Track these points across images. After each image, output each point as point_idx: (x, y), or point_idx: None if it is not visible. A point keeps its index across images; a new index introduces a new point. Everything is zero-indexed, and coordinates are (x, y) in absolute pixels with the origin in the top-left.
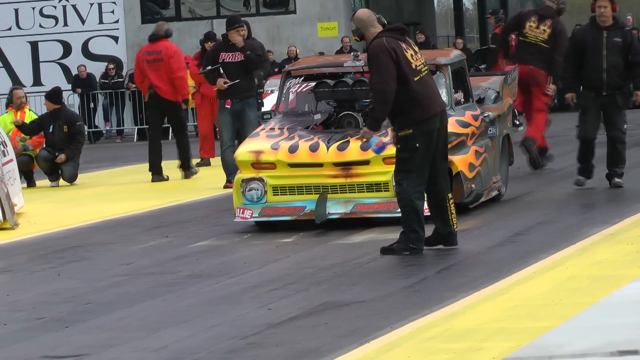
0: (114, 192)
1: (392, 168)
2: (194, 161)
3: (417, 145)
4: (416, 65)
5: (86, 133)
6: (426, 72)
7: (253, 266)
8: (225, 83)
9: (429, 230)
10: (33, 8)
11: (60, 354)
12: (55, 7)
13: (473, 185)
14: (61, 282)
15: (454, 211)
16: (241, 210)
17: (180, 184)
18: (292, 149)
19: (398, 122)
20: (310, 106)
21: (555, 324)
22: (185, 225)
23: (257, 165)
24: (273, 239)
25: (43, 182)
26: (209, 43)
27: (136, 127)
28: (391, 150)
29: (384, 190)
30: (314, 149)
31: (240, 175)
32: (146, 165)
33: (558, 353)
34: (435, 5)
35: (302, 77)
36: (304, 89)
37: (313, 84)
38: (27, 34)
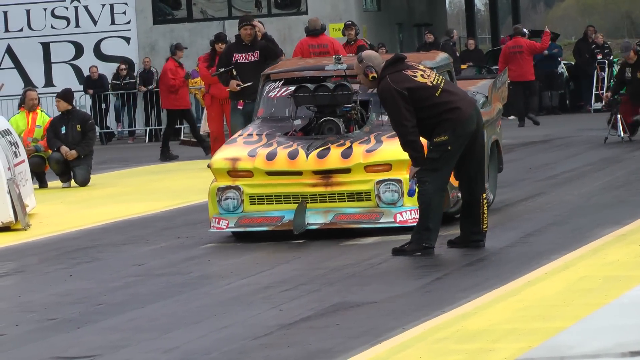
0: (125, 193)
1: (373, 177)
2: (205, 162)
3: (449, 148)
4: (431, 82)
5: (98, 134)
6: (443, 81)
7: (264, 267)
8: (238, 85)
9: (448, 229)
10: (45, 9)
11: (72, 355)
12: (67, 8)
13: (459, 194)
14: (73, 283)
15: (486, 211)
16: (216, 220)
17: (192, 184)
18: (270, 156)
19: (436, 131)
20: (290, 111)
21: (566, 324)
22: (196, 226)
23: (233, 173)
24: (284, 240)
25: (55, 183)
26: (220, 44)
27: (147, 128)
28: (373, 157)
29: (366, 200)
30: (292, 156)
31: (215, 184)
32: (156, 167)
33: (570, 354)
34: (447, 6)
35: (282, 81)
36: (283, 93)
37: (293, 88)
38: (38, 34)
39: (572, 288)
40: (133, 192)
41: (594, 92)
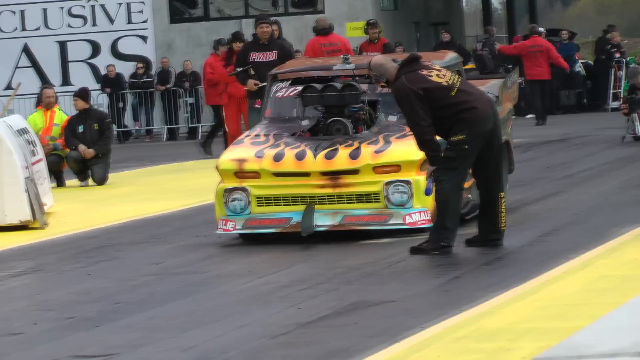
0: (143, 192)
1: (382, 178)
2: None
3: (466, 147)
4: (447, 81)
5: (115, 132)
6: (459, 80)
7: (282, 266)
8: (255, 84)
9: (466, 228)
10: (61, 8)
11: (90, 354)
12: (83, 6)
13: (470, 196)
14: (91, 281)
15: (504, 210)
16: (224, 222)
17: (210, 183)
18: (278, 157)
19: (453, 130)
20: (298, 112)
21: (585, 324)
22: (214, 225)
23: (240, 174)
24: (302, 239)
25: (72, 181)
26: (237, 43)
27: (165, 127)
28: (382, 158)
29: (375, 201)
30: (300, 157)
31: (222, 185)
32: (173, 165)
33: (588, 353)
34: (464, 4)
35: (289, 81)
36: (290, 94)
37: (300, 88)
38: (55, 33)
39: (590, 287)
40: (150, 190)
41: (610, 90)
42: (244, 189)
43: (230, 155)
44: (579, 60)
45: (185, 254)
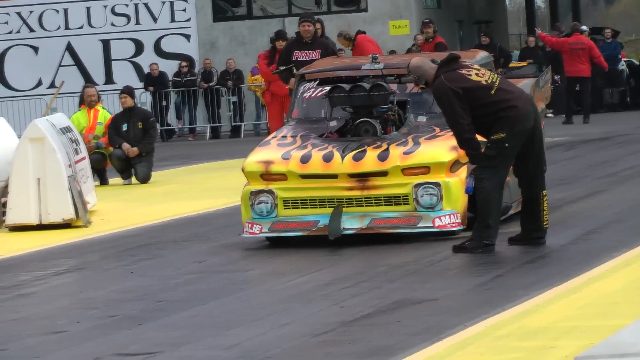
0: (186, 190)
1: (411, 180)
2: None
3: (507, 145)
4: (486, 80)
5: (158, 131)
6: (498, 79)
7: (324, 264)
8: None
9: (508, 227)
10: (105, 6)
11: (133, 352)
12: (127, 5)
13: None
14: (134, 279)
15: (546, 208)
16: (250, 225)
17: None
18: (305, 159)
19: (494, 128)
20: (325, 112)
21: (627, 322)
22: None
23: (266, 176)
24: (344, 237)
25: (116, 180)
26: (280, 41)
27: (209, 125)
28: (411, 160)
29: (404, 204)
30: (327, 158)
31: (248, 188)
32: (216, 164)
33: (630, 351)
34: (507, 3)
35: (317, 81)
36: (318, 94)
37: (328, 88)
38: (99, 32)
39: (633, 285)
40: (193, 189)
41: None
42: (270, 192)
43: (256, 157)
44: (623, 59)
45: (227, 252)
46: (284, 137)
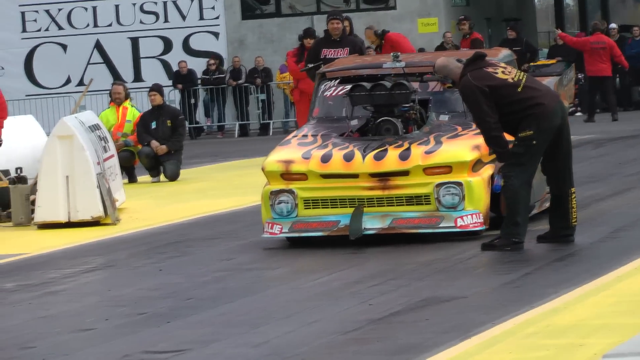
0: (214, 187)
1: (433, 179)
2: None
3: (534, 142)
4: (512, 78)
5: (187, 129)
6: (525, 77)
7: (353, 262)
8: None
9: (536, 224)
10: (134, 4)
11: (162, 349)
12: (155, 3)
13: None
14: (162, 277)
15: (574, 206)
16: (270, 225)
17: None
18: (325, 159)
19: (521, 126)
20: (346, 111)
21: None
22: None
23: (287, 176)
24: (364, 237)
25: (144, 177)
26: (308, 39)
27: (237, 123)
28: (433, 159)
29: (425, 204)
30: (348, 158)
31: (268, 187)
32: (245, 161)
33: None
34: (536, 0)
35: (338, 80)
36: (339, 93)
37: (349, 87)
38: (127, 30)
39: None
40: (222, 186)
41: None
42: (290, 191)
43: (276, 157)
44: None
45: (255, 250)
46: (305, 136)
